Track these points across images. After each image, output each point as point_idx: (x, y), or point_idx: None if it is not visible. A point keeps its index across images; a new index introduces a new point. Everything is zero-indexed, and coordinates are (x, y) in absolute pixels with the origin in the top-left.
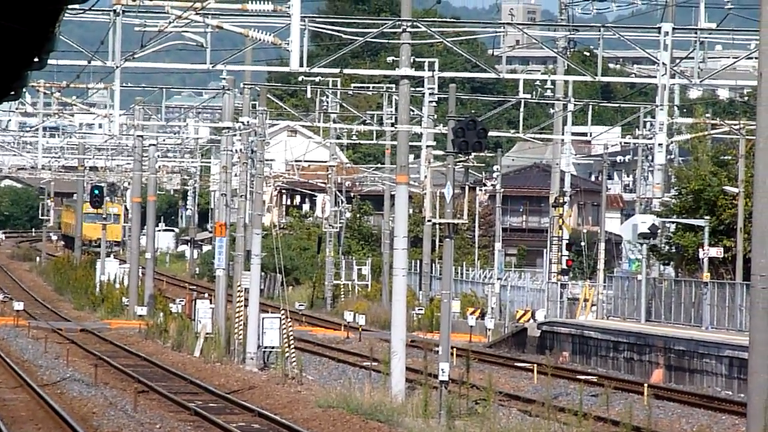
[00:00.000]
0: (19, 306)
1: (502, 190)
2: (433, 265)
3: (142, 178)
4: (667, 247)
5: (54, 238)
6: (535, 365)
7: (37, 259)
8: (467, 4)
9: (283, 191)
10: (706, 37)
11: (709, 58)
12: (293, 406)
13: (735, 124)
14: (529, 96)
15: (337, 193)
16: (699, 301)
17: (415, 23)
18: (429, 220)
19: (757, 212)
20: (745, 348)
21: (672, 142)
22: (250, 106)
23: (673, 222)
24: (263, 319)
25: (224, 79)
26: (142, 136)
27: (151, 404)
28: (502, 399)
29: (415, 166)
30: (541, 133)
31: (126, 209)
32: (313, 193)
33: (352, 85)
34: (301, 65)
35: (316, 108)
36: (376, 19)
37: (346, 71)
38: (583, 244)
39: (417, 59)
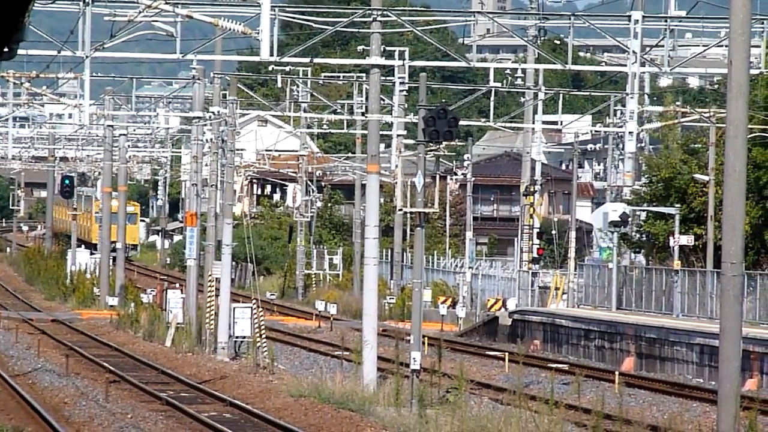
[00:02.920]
0: None
1: (473, 178)
2: (405, 254)
3: (113, 168)
4: (637, 235)
5: (24, 227)
6: (507, 354)
7: (8, 249)
8: None
9: (254, 181)
10: (676, 25)
11: (679, 46)
12: (265, 395)
13: (705, 112)
14: (499, 85)
15: (308, 182)
16: (670, 289)
17: (385, 12)
18: (400, 209)
19: (728, 200)
20: (716, 335)
21: (642, 131)
22: (221, 95)
23: (643, 210)
24: (234, 308)
25: (194, 68)
26: (112, 126)
27: (122, 394)
28: (474, 388)
29: (386, 156)
30: (511, 122)
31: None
32: (283, 182)
33: (323, 74)
34: (272, 55)
35: (287, 97)
36: (347, 8)
37: (317, 60)
38: (554, 232)
39: (387, 48)
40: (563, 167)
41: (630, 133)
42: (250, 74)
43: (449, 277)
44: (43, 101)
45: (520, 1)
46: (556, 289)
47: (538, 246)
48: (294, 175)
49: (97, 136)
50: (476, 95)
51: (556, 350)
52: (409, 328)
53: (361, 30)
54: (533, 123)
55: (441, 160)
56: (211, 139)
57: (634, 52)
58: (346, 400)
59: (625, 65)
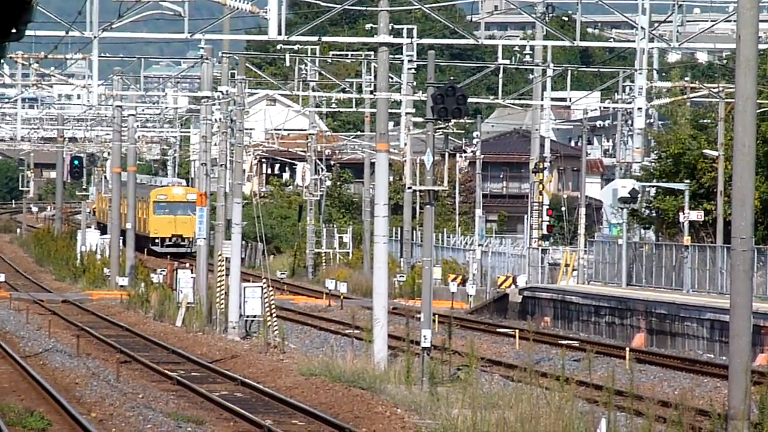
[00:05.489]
0: None
1: (482, 156)
2: (414, 232)
3: (122, 149)
4: (647, 211)
5: (33, 208)
6: (517, 331)
7: (18, 230)
8: None
9: (263, 160)
10: (684, 1)
11: (688, 21)
12: (276, 374)
13: (714, 88)
14: (508, 62)
15: (317, 161)
16: (680, 264)
17: None
18: (409, 187)
19: (737, 175)
20: (726, 311)
21: (651, 106)
22: (229, 75)
23: (653, 186)
24: (245, 288)
25: (202, 48)
26: (121, 107)
27: (133, 374)
28: (485, 365)
29: (395, 134)
30: (520, 99)
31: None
32: (293, 161)
33: (331, 52)
34: (280, 33)
35: (295, 76)
36: None
37: (325, 39)
38: (563, 209)
39: (395, 26)
40: (572, 144)
41: (639, 109)
42: (259, 53)
43: (459, 255)
44: (52, 82)
45: None
46: (566, 265)
47: (547, 223)
48: (303, 154)
49: (106, 116)
50: (485, 72)
51: (567, 327)
52: (420, 306)
53: (369, 8)
54: (542, 100)
55: (450, 137)
56: (220, 119)
57: (642, 27)
58: (357, 378)
59: (634, 41)
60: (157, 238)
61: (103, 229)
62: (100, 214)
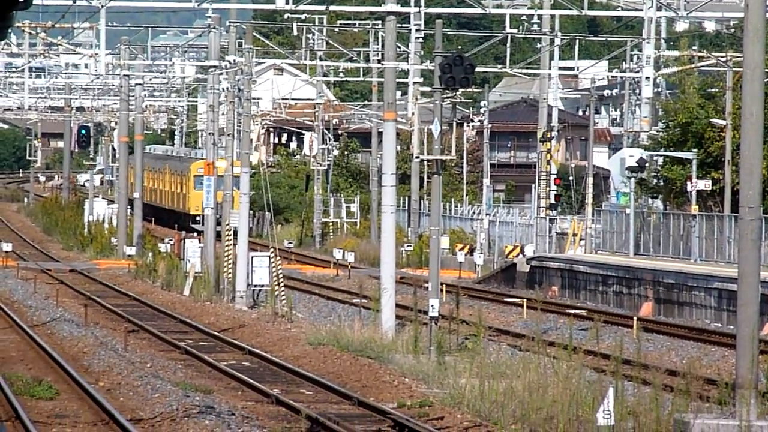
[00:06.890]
0: (7, 247)
1: (490, 125)
2: (422, 201)
3: (129, 118)
4: (655, 181)
5: (41, 178)
6: (525, 300)
7: (25, 200)
8: None
9: (271, 129)
10: None
11: None
12: (283, 343)
13: (722, 56)
14: (515, 31)
15: (325, 130)
16: (687, 233)
17: None
18: (417, 157)
19: (745, 144)
20: (734, 280)
21: (659, 75)
22: (237, 44)
23: (660, 155)
24: (252, 257)
25: (210, 17)
26: (128, 76)
27: (141, 343)
28: (492, 334)
29: (403, 103)
30: (528, 68)
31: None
32: (300, 131)
33: (339, 22)
34: (287, 2)
35: (303, 46)
36: None
37: (333, 8)
38: (571, 178)
39: None
40: (580, 113)
41: (646, 78)
42: (266, 22)
43: (467, 224)
44: (59, 51)
45: None
46: (574, 235)
47: (555, 192)
48: (310, 123)
49: (113, 85)
50: (492, 42)
51: (574, 296)
52: (427, 276)
53: None
54: (549, 69)
55: (457, 107)
56: (228, 88)
57: None
58: (365, 347)
59: (642, 10)
60: (198, 215)
61: (153, 212)
62: (153, 195)
